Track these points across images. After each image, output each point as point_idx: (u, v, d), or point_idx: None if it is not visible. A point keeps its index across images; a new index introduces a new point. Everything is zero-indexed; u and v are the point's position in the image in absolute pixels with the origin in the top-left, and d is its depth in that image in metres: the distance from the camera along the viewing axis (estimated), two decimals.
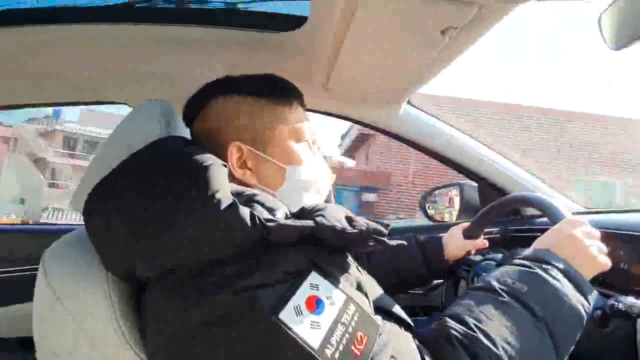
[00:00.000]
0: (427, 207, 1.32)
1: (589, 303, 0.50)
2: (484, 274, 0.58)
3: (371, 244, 0.44)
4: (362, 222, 0.44)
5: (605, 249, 0.58)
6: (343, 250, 0.45)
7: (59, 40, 0.80)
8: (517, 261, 0.53)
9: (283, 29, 0.75)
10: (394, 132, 1.05)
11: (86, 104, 0.95)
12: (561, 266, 0.50)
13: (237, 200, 0.41)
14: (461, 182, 1.22)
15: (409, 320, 0.62)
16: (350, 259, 0.46)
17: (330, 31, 0.67)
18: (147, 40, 0.84)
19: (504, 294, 0.47)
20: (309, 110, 0.64)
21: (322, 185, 0.61)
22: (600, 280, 0.78)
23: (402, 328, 0.59)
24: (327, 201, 0.65)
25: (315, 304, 0.38)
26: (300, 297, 0.38)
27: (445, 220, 1.29)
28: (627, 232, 0.78)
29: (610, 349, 0.71)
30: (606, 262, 0.56)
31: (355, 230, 0.42)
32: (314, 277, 0.39)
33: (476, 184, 1.17)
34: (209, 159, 0.45)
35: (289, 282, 0.38)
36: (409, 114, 1.03)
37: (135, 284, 0.47)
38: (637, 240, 0.75)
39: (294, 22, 0.72)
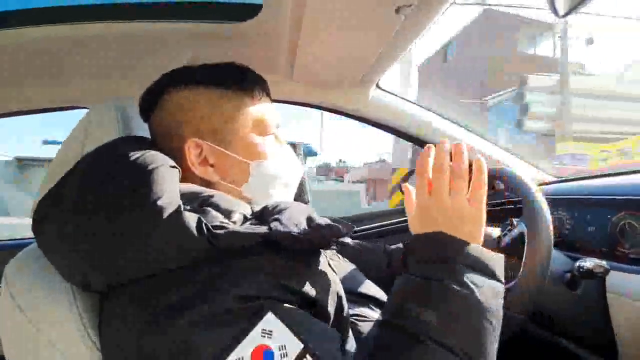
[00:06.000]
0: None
1: (502, 280, 0.42)
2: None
3: (333, 246, 0.42)
4: (323, 223, 0.41)
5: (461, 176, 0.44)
6: (306, 249, 0.42)
7: (6, 44, 0.76)
8: (414, 268, 0.43)
9: (240, 18, 0.73)
10: (365, 117, 1.05)
11: (42, 111, 0.91)
12: (463, 258, 0.41)
13: (183, 206, 0.39)
14: None
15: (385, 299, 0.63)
16: (317, 258, 0.44)
17: (287, 17, 0.66)
18: (103, 38, 0.81)
19: (411, 332, 0.39)
20: (275, 100, 0.62)
21: (291, 179, 0.58)
22: (568, 245, 0.81)
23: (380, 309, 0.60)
24: (300, 194, 0.64)
25: (262, 357, 0.33)
26: (247, 346, 0.33)
27: None
28: (592, 197, 0.80)
29: (582, 310, 0.74)
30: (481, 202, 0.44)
31: (312, 235, 0.40)
32: (268, 320, 0.35)
33: None
34: (154, 161, 0.42)
35: (239, 320, 0.34)
36: (378, 97, 1.03)
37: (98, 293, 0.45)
38: (601, 204, 0.78)
39: (250, 11, 0.71)
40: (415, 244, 0.45)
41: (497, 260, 0.43)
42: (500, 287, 0.42)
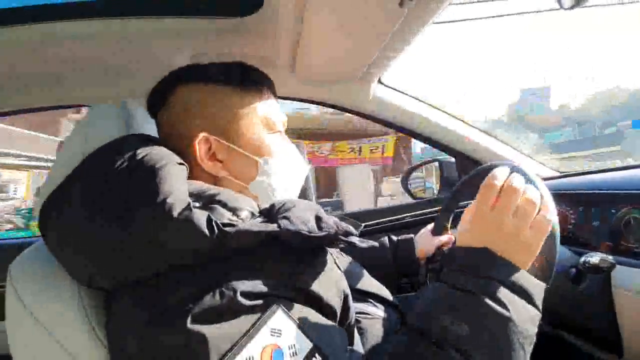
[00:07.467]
0: (409, 186, 1.33)
1: (540, 309, 0.41)
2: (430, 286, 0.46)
3: (341, 245, 0.42)
4: (331, 223, 0.42)
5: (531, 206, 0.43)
6: (314, 247, 0.42)
7: (6, 42, 0.76)
8: (451, 279, 0.42)
9: (241, 13, 0.73)
10: (367, 113, 1.04)
11: (43, 109, 0.90)
12: (504, 277, 0.40)
13: (193, 204, 0.39)
14: (439, 158, 1.24)
15: (390, 298, 0.63)
16: (324, 256, 0.44)
17: (288, 11, 0.65)
18: (103, 35, 0.80)
19: (439, 341, 0.38)
20: (278, 97, 0.62)
21: (297, 176, 0.59)
22: (572, 239, 0.80)
23: (384, 307, 0.60)
24: (305, 192, 0.64)
25: (272, 356, 0.33)
26: (256, 345, 0.33)
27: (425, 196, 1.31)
28: (596, 192, 0.80)
29: (587, 305, 0.74)
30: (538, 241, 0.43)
31: (322, 234, 0.40)
32: (277, 319, 0.35)
33: (454, 159, 1.18)
34: (162, 159, 0.42)
35: (248, 318, 0.34)
36: (380, 93, 1.02)
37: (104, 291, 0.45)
38: (605, 199, 0.78)
39: (251, 6, 0.70)
40: (458, 253, 0.44)
41: (536, 287, 0.41)
42: (537, 314, 0.40)
